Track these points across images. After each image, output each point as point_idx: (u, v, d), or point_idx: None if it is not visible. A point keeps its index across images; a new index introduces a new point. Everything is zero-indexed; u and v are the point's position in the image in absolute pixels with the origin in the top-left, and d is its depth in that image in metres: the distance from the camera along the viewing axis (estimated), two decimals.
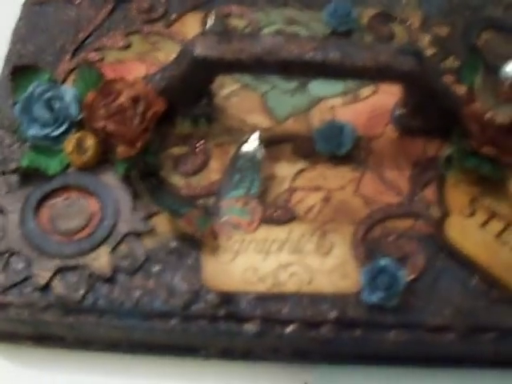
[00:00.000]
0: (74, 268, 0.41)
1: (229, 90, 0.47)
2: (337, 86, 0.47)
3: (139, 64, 0.48)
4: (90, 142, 0.43)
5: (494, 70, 0.46)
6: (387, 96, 0.46)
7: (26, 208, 0.42)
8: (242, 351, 0.41)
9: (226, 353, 0.41)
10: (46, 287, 0.40)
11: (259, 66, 0.42)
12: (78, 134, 0.43)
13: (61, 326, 0.40)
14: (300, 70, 0.42)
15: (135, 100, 0.43)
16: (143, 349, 0.41)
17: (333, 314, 0.40)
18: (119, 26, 0.50)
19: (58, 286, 0.40)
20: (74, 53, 0.48)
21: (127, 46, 0.48)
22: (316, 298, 0.40)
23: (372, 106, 0.46)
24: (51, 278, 0.40)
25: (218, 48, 0.42)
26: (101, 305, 0.40)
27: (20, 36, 0.49)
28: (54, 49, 0.48)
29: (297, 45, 0.42)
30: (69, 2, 0.51)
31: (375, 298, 0.40)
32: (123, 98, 0.42)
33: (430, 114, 0.44)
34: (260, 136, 0.44)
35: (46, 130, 0.43)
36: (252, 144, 0.43)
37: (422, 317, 0.40)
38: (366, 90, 0.47)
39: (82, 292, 0.40)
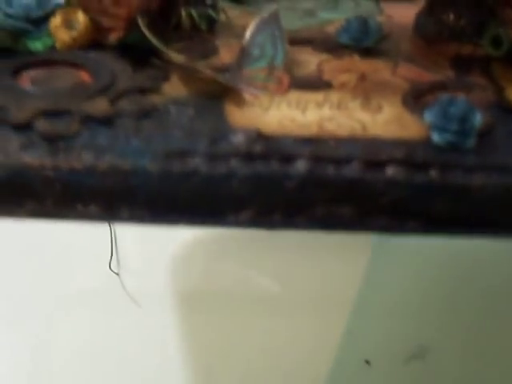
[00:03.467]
0: (63, 111, 0.31)
1: (232, 13, 0.42)
2: (347, 11, 0.43)
3: None
4: (81, 17, 0.36)
5: None
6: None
7: (2, 74, 0.34)
8: (285, 209, 0.31)
9: (264, 214, 0.31)
10: (25, 127, 0.30)
11: None
12: (66, 10, 0.36)
13: (44, 172, 0.29)
14: None
15: None
16: (149, 211, 0.30)
17: (399, 153, 0.31)
18: None
19: (42, 125, 0.30)
20: None
21: None
22: (376, 141, 0.32)
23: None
24: (32, 119, 0.31)
25: None
26: (100, 142, 0.30)
27: None
28: None
29: None
30: None
31: (449, 135, 0.32)
32: None
33: (462, 8, 0.40)
34: (278, 11, 0.38)
35: (28, 11, 0.36)
36: (270, 20, 0.38)
37: (508, 159, 0.32)
38: None
39: (74, 129, 0.30)
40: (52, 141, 0.30)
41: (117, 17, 0.36)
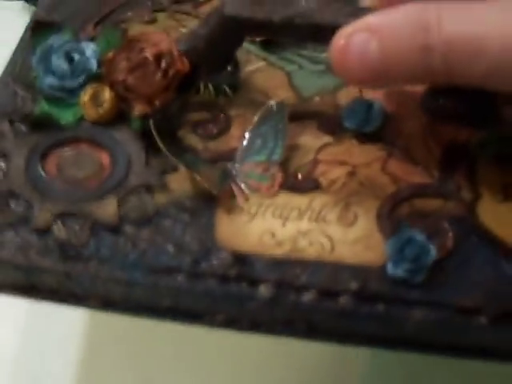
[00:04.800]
0: (77, 214, 0.37)
1: (254, 66, 0.45)
2: None
3: (164, 37, 0.46)
4: (107, 94, 0.41)
5: None
6: None
7: (33, 154, 0.40)
8: (251, 320, 0.37)
9: (233, 321, 0.37)
10: (45, 230, 0.37)
11: (290, 29, 0.40)
12: (95, 86, 0.41)
13: (56, 275, 0.37)
14: (332, 36, 0.40)
15: (159, 56, 0.41)
16: (142, 310, 0.38)
17: (354, 285, 0.36)
18: (145, 3, 0.49)
19: (59, 231, 0.37)
20: (98, 22, 0.47)
21: (152, 21, 0.47)
22: (337, 267, 0.37)
23: (402, 89, 0.45)
24: (52, 222, 0.37)
25: (249, 8, 0.40)
26: (103, 253, 0.37)
27: (44, 7, 0.48)
28: (78, 20, 0.47)
29: (330, 10, 0.40)
30: None
31: (401, 270, 0.37)
32: (146, 53, 0.41)
33: (464, 96, 0.42)
34: (285, 104, 0.42)
35: (63, 81, 0.41)
36: (277, 111, 0.41)
37: (451, 296, 0.36)
38: None
39: (84, 238, 0.37)
40: (64, 248, 0.37)
41: (141, 94, 0.41)
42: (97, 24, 0.46)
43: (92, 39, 0.45)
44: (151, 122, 0.40)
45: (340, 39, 0.38)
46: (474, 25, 0.35)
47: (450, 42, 0.35)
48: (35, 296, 0.38)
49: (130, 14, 0.47)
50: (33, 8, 0.67)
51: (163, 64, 0.41)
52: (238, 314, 0.37)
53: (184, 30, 0.47)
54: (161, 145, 0.39)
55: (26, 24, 0.48)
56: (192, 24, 0.47)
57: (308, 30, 0.40)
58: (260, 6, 0.40)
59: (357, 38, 0.37)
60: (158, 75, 0.40)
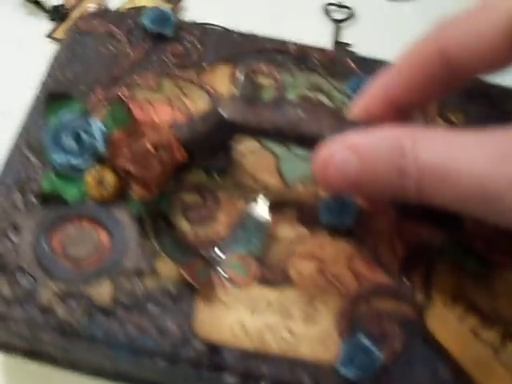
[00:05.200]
0: (76, 294, 0.43)
1: (245, 146, 0.49)
2: None
3: (166, 107, 0.50)
4: (111, 178, 0.45)
5: None
6: None
7: (41, 229, 0.45)
8: None
9: None
10: (47, 308, 0.43)
11: (280, 136, 0.45)
12: (99, 169, 0.46)
13: (55, 347, 0.43)
14: (316, 144, 0.45)
15: (159, 146, 0.45)
16: (127, 381, 0.44)
17: (308, 381, 0.43)
18: (153, 66, 0.52)
19: (59, 309, 0.43)
20: (107, 86, 0.50)
21: (157, 88, 0.51)
22: (295, 363, 0.43)
23: None
24: (54, 301, 0.43)
25: (243, 113, 0.44)
26: (96, 334, 0.42)
27: (59, 62, 0.52)
28: (89, 79, 0.51)
29: (316, 121, 0.44)
30: (110, 35, 0.53)
31: (350, 373, 0.43)
32: (148, 143, 0.45)
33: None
34: (268, 200, 0.46)
35: (71, 159, 0.46)
36: (260, 206, 0.46)
37: None
38: None
39: (80, 318, 0.43)
40: (63, 325, 0.42)
41: (141, 180, 0.45)
42: (106, 88, 0.50)
43: (100, 104, 0.49)
44: (145, 216, 0.45)
45: (323, 153, 0.42)
46: (447, 156, 0.38)
47: (423, 170, 0.39)
48: (36, 359, 0.44)
49: (136, 77, 0.51)
50: (31, 6, 0.70)
51: (163, 154, 0.45)
52: None
53: (186, 101, 0.51)
54: (151, 236, 0.45)
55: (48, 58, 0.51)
56: (195, 94, 0.51)
57: (295, 138, 0.44)
58: (253, 112, 0.44)
59: (338, 154, 0.42)
60: (158, 165, 0.45)
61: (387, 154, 0.40)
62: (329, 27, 0.71)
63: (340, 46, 0.69)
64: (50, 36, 0.67)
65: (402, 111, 0.45)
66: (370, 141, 0.41)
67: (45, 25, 0.68)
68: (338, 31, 0.71)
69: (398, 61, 0.44)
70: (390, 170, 0.40)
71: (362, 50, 0.63)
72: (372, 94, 0.45)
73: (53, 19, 0.68)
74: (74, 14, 0.68)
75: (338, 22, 0.71)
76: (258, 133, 0.45)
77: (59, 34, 0.67)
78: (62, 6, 0.69)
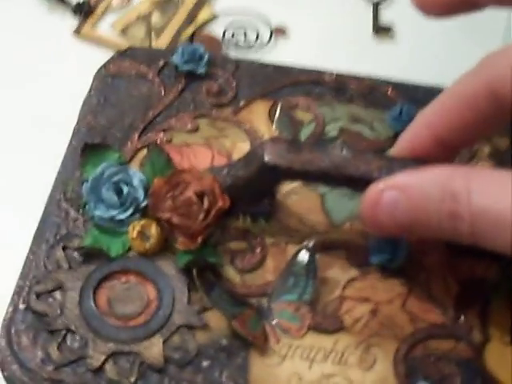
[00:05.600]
0: (127, 354, 0.42)
1: (289, 187, 0.48)
2: None
3: (205, 149, 0.49)
4: (154, 230, 0.44)
5: None
6: None
7: (86, 287, 0.44)
8: None
9: None
10: (98, 370, 0.42)
11: (326, 179, 0.43)
12: (142, 221, 0.45)
13: None
14: (365, 187, 0.43)
15: (201, 195, 0.44)
16: None
17: None
18: (188, 106, 0.51)
19: (111, 370, 0.42)
20: (143, 131, 0.49)
21: (195, 130, 0.50)
22: None
23: None
24: (104, 361, 0.42)
25: (287, 157, 0.43)
26: None
27: (90, 107, 0.51)
28: (124, 124, 0.50)
29: (363, 162, 0.43)
30: (141, 77, 0.52)
31: None
32: (190, 192, 0.44)
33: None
34: (317, 243, 0.45)
35: (112, 213, 0.45)
36: (309, 251, 0.45)
37: None
38: None
39: (133, 379, 0.42)
40: None
41: (185, 231, 0.44)
42: (142, 132, 0.49)
43: (137, 151, 0.48)
44: (193, 269, 0.43)
45: (371, 195, 0.41)
46: (502, 199, 0.37)
47: (476, 214, 0.38)
48: None
49: (173, 121, 0.50)
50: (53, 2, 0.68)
51: (206, 203, 0.44)
52: None
53: (225, 141, 0.50)
54: (200, 288, 0.43)
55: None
56: (233, 134, 0.50)
57: (342, 180, 0.43)
58: (297, 155, 0.43)
59: (387, 195, 0.40)
60: (201, 214, 0.44)
61: (437, 195, 0.39)
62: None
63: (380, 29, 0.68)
64: (76, 31, 0.66)
65: (449, 147, 0.43)
66: (420, 181, 0.40)
67: (69, 21, 0.67)
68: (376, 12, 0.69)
69: (445, 97, 0.42)
70: (441, 211, 0.39)
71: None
72: (417, 131, 0.44)
73: (77, 15, 0.67)
74: (100, 10, 0.68)
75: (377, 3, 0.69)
76: (303, 177, 0.44)
77: (86, 30, 0.66)
78: (87, 1, 0.68)
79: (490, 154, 0.51)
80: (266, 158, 0.43)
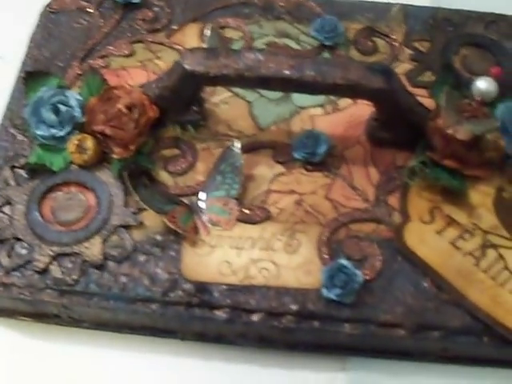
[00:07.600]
0: (69, 255, 0.46)
1: (219, 97, 0.51)
2: (318, 97, 0.51)
3: (141, 71, 0.53)
4: (90, 143, 0.48)
5: (467, 86, 0.50)
6: (364, 107, 0.50)
7: (32, 200, 0.48)
8: (214, 335, 0.46)
9: (200, 336, 0.47)
10: (44, 271, 0.46)
11: (241, 81, 0.47)
12: (79, 136, 0.48)
13: (56, 306, 0.46)
14: (277, 85, 0.46)
15: (131, 107, 0.48)
16: (127, 329, 0.47)
17: (294, 307, 0.45)
18: (125, 34, 0.55)
19: (55, 271, 0.46)
20: (83, 59, 0.53)
21: (131, 54, 0.53)
22: (280, 292, 0.45)
23: (349, 117, 0.51)
24: (49, 263, 0.46)
25: (204, 63, 0.46)
26: (91, 288, 0.45)
27: (36, 42, 0.55)
28: (66, 55, 0.54)
29: (275, 62, 0.46)
30: (81, 10, 0.56)
31: (333, 294, 0.44)
32: (120, 105, 0.48)
33: (399, 127, 0.48)
34: (242, 143, 0.48)
35: (52, 131, 0.49)
36: (235, 150, 0.48)
37: (375, 313, 0.45)
38: (344, 101, 0.51)
39: (75, 276, 0.45)
40: (60, 284, 0.45)
41: (118, 141, 0.48)
42: (82, 61, 0.53)
43: (78, 77, 0.52)
44: (124, 173, 0.47)
45: None
46: None
47: None
48: (42, 320, 0.47)
49: (111, 48, 0.54)
50: None
51: (135, 113, 0.48)
52: (204, 330, 0.46)
53: (159, 63, 0.53)
54: (133, 192, 0.47)
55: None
56: (167, 55, 0.54)
57: (256, 81, 0.46)
58: (214, 61, 0.46)
59: None
60: (132, 124, 0.47)
61: None
62: None
63: None
64: None
65: None
66: None
67: None
68: None
69: None
70: None
71: None
72: None
73: None
74: None
75: None
76: (220, 80, 0.47)
77: None
78: None
79: (411, 56, 0.54)
80: (186, 66, 0.46)
